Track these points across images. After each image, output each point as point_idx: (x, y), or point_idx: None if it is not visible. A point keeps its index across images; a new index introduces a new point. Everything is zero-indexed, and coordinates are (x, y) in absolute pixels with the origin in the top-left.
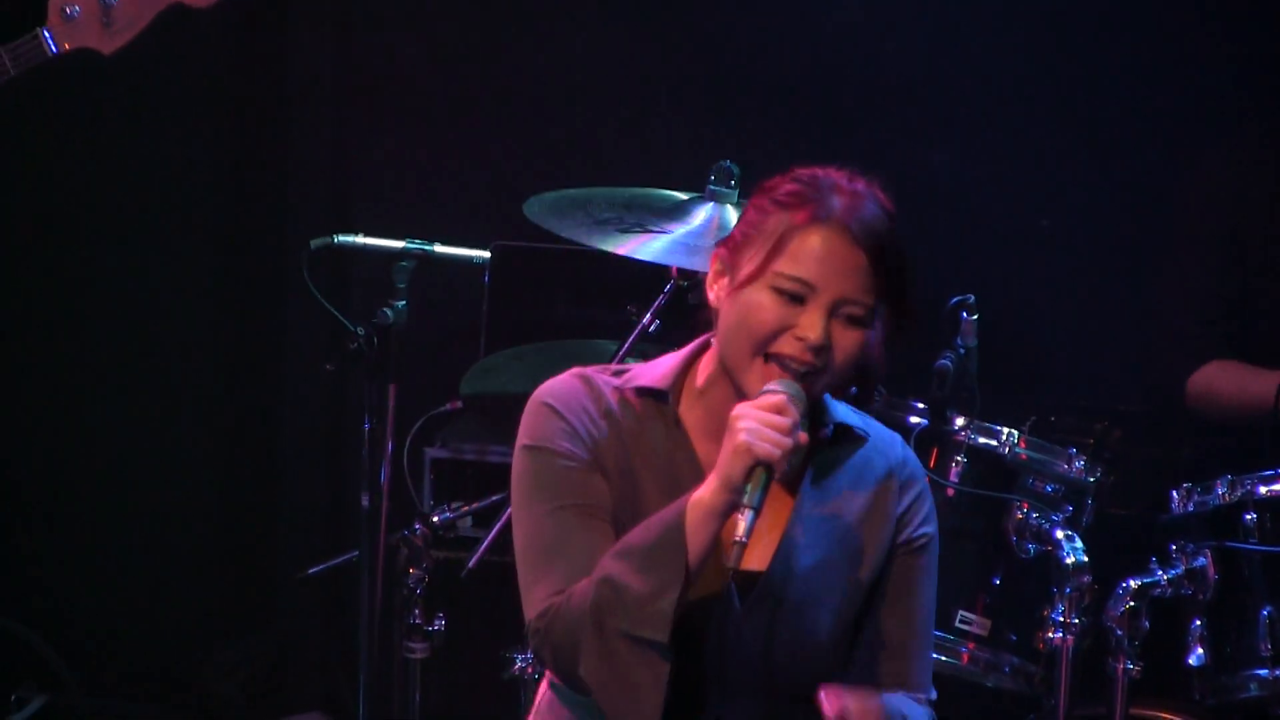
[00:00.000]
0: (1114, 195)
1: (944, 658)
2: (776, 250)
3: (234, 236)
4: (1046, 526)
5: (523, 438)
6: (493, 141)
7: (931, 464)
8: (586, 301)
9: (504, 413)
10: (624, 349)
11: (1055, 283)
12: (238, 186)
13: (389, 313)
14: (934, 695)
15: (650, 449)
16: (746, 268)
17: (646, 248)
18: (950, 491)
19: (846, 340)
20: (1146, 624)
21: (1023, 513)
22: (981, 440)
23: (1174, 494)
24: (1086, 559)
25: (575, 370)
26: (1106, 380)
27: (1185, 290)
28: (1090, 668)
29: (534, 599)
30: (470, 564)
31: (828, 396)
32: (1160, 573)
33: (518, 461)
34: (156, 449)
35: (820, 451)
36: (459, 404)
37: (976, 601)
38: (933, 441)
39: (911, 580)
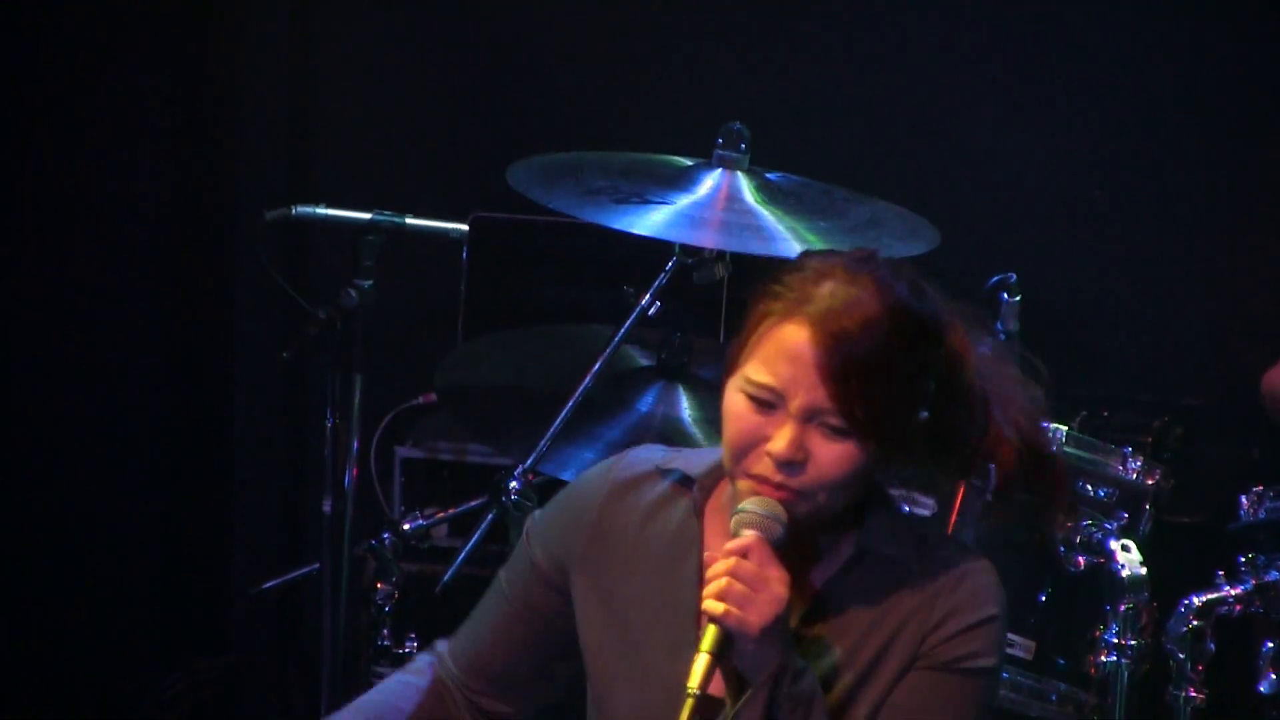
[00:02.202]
0: (1177, 159)
1: None
2: (750, 348)
3: (177, 207)
4: (1099, 536)
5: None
6: (471, 100)
7: None
8: (577, 281)
9: (484, 407)
10: (619, 335)
11: (1108, 259)
12: (181, 150)
13: (354, 294)
14: None
15: (657, 538)
16: (731, 367)
17: (645, 220)
18: (989, 495)
19: (827, 455)
20: (1212, 646)
21: (1072, 520)
22: None
23: (1243, 499)
24: (1144, 572)
25: (613, 457)
26: (1167, 371)
27: (1262, 270)
28: (1148, 696)
29: (455, 635)
30: (446, 578)
31: (883, 513)
32: (1227, 588)
33: None
34: (89, 449)
35: (834, 580)
36: (433, 397)
37: (1020, 621)
38: None
39: (922, 696)
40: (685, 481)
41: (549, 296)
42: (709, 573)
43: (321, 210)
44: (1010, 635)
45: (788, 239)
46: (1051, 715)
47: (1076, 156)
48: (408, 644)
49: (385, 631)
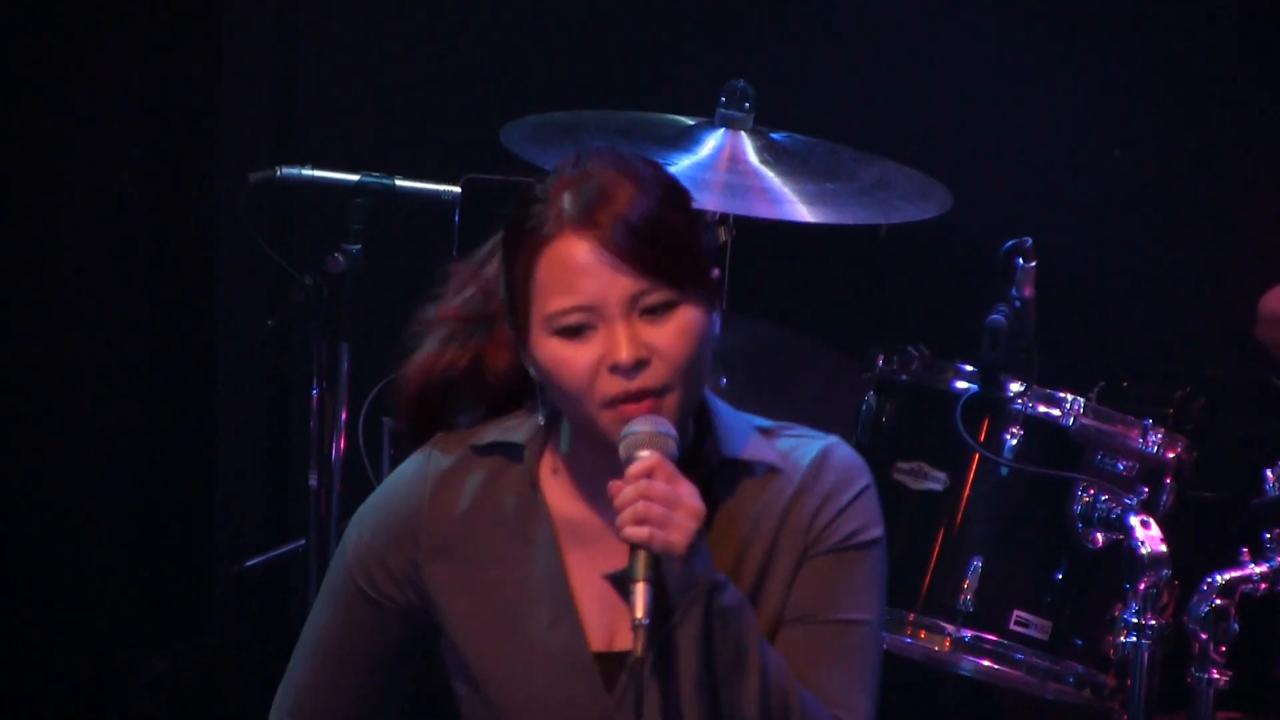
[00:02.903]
0: (1201, 118)
1: (997, 666)
2: (532, 294)
3: (157, 169)
4: (1118, 512)
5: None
6: (464, 56)
7: (982, 437)
8: None
9: None
10: None
11: (1128, 223)
12: (163, 109)
13: (342, 259)
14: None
15: (499, 517)
16: (523, 334)
17: None
18: (1004, 470)
19: (665, 336)
20: (1236, 626)
21: (1089, 495)
22: (1041, 409)
23: (1268, 473)
24: (1165, 550)
25: (416, 453)
26: (1189, 339)
27: None
28: (1169, 677)
29: (281, 692)
30: None
31: (723, 417)
32: (1252, 566)
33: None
34: (64, 422)
35: (702, 496)
36: None
37: (1036, 600)
38: (984, 411)
39: (822, 581)
40: (509, 450)
41: None
42: (618, 500)
43: (308, 172)
44: (1026, 615)
45: (793, 201)
46: (1069, 698)
47: (1095, 115)
48: None
49: None
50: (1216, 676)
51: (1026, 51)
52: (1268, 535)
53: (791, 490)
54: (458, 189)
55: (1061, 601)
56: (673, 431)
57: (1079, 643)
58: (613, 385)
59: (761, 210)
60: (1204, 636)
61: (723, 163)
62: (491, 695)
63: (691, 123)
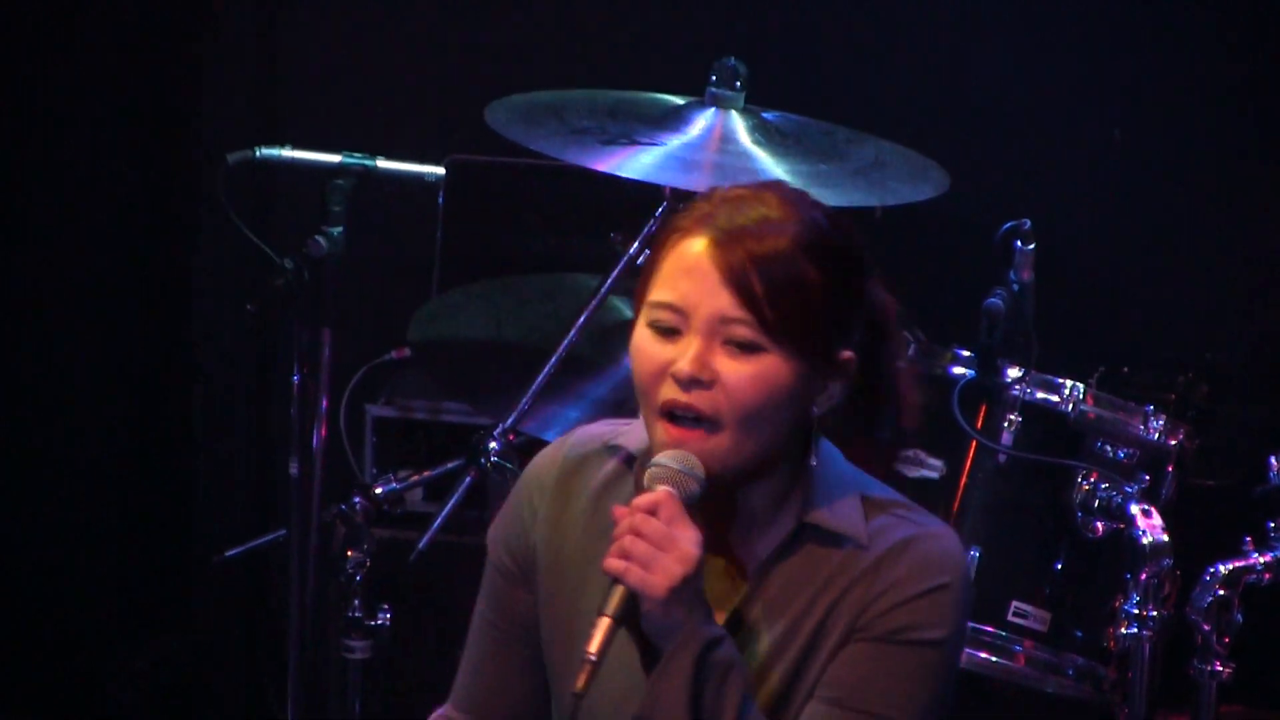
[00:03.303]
0: (1203, 98)
1: (995, 658)
2: (649, 278)
3: (136, 150)
4: (1119, 500)
5: None
6: (448, 34)
7: (979, 424)
8: (561, 228)
9: (461, 362)
10: (607, 285)
11: (1129, 205)
12: (141, 89)
13: (322, 242)
14: None
15: (607, 519)
16: (637, 311)
17: (634, 163)
18: (1001, 457)
19: (735, 375)
20: (1239, 617)
21: (1090, 483)
22: (1040, 395)
23: (1273, 461)
24: (1166, 539)
25: (588, 428)
26: (1192, 324)
27: None
28: (1171, 670)
29: (452, 689)
30: (420, 545)
31: (825, 479)
32: (1256, 555)
33: None
34: (43, 410)
35: (773, 557)
36: (407, 352)
37: (1034, 591)
38: (981, 397)
39: (861, 668)
40: (629, 459)
41: (530, 244)
42: (616, 530)
43: (288, 152)
44: (1024, 606)
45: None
46: (1068, 691)
47: (1095, 95)
48: (380, 615)
49: (356, 602)
50: (1220, 669)
51: (1025, 30)
52: (1272, 524)
53: (864, 568)
54: (441, 170)
55: (1061, 592)
56: (699, 473)
57: (1079, 635)
58: (668, 391)
59: None
60: (1206, 628)
61: (713, 143)
62: (557, 690)
63: (681, 102)
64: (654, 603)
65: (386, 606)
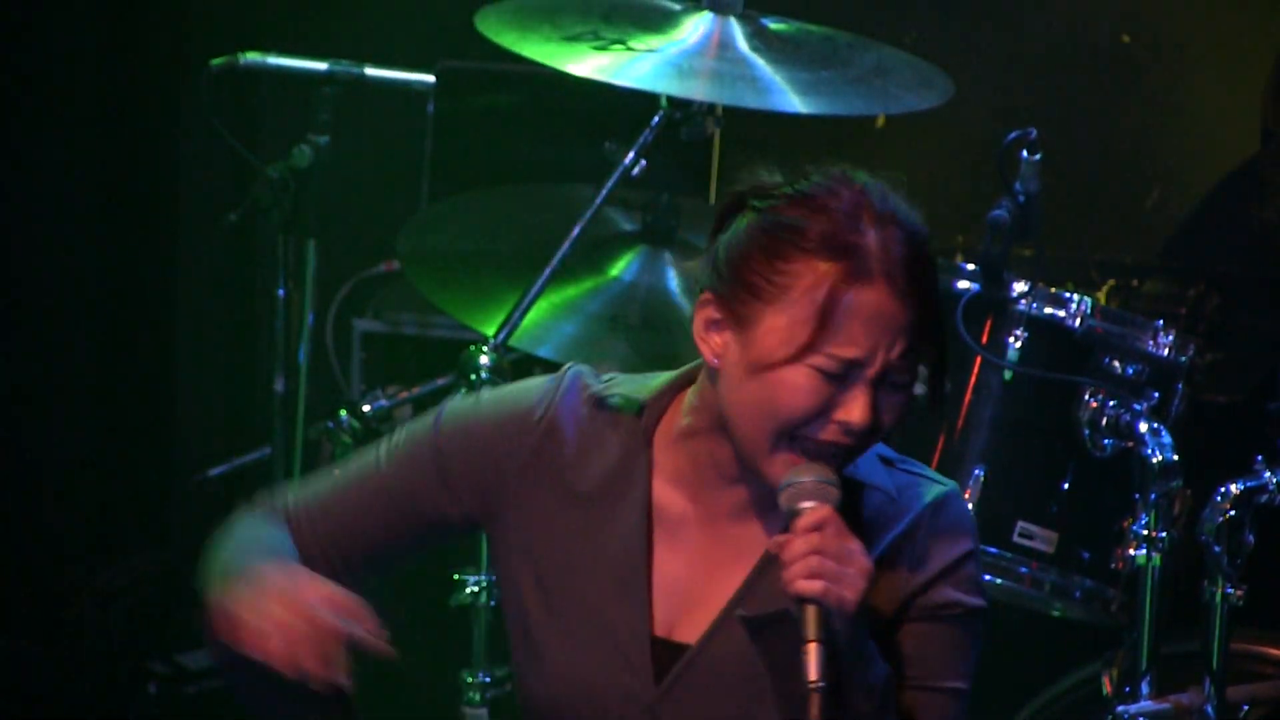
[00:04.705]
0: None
1: (1000, 580)
2: (822, 325)
3: (114, 55)
4: (1127, 418)
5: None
6: None
7: (984, 339)
8: (553, 137)
9: (451, 275)
10: (601, 196)
11: (1138, 113)
12: None
13: (308, 151)
14: None
15: (594, 472)
16: (771, 339)
17: (628, 70)
18: (1007, 374)
19: (890, 408)
20: (1251, 538)
21: (1098, 400)
22: (1046, 310)
23: None
24: (1176, 458)
25: (556, 375)
26: (1202, 235)
27: None
28: (1181, 592)
29: (289, 495)
30: None
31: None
32: (1268, 475)
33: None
34: (22, 325)
35: None
36: (395, 264)
37: (1041, 511)
38: (986, 311)
39: (927, 648)
40: (631, 407)
41: (523, 154)
42: (787, 553)
43: (273, 59)
44: (1030, 526)
45: (785, 91)
46: (1075, 613)
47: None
48: None
49: None
50: (1231, 590)
51: None
52: None
53: (901, 529)
54: (431, 78)
55: (1067, 513)
56: (836, 482)
57: (1086, 556)
58: (828, 433)
59: (751, 100)
60: (1217, 549)
61: (711, 49)
62: (538, 643)
63: (678, 7)
64: (845, 618)
65: None
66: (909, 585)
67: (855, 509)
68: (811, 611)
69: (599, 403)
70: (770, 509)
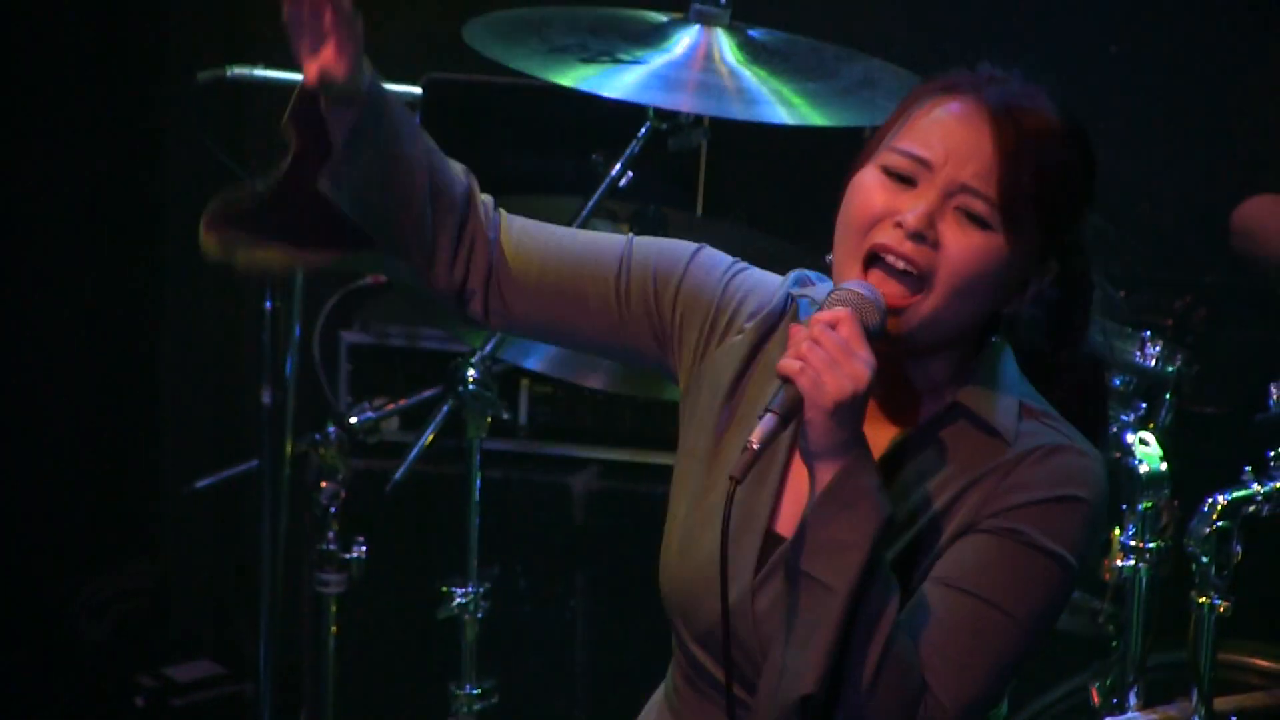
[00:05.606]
0: (1200, 13)
1: None
2: (897, 123)
3: (101, 67)
4: (1115, 428)
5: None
6: None
7: None
8: (541, 148)
9: None
10: (589, 207)
11: (1125, 122)
12: (108, 2)
13: None
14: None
15: (767, 369)
16: (865, 157)
17: (616, 82)
18: None
19: (958, 244)
20: (1239, 549)
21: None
22: None
23: (1273, 388)
24: (1164, 469)
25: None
26: (1189, 245)
27: None
28: (1169, 603)
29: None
30: (397, 476)
31: (992, 375)
32: (1255, 485)
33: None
34: (9, 336)
35: (918, 432)
36: (383, 277)
37: None
38: None
39: (981, 557)
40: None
41: (510, 165)
42: (791, 340)
43: (260, 71)
44: None
45: (771, 102)
46: (1063, 624)
47: (1091, 9)
48: (355, 549)
49: (330, 535)
50: (1218, 602)
51: None
52: (1272, 453)
53: (1002, 461)
54: (418, 89)
55: None
56: (882, 303)
57: None
58: (885, 235)
59: (738, 112)
60: (1204, 560)
61: (697, 61)
62: (687, 516)
63: (665, 19)
64: (819, 411)
65: (361, 539)
66: (985, 508)
67: (965, 433)
68: (785, 389)
69: (794, 302)
70: (897, 413)
